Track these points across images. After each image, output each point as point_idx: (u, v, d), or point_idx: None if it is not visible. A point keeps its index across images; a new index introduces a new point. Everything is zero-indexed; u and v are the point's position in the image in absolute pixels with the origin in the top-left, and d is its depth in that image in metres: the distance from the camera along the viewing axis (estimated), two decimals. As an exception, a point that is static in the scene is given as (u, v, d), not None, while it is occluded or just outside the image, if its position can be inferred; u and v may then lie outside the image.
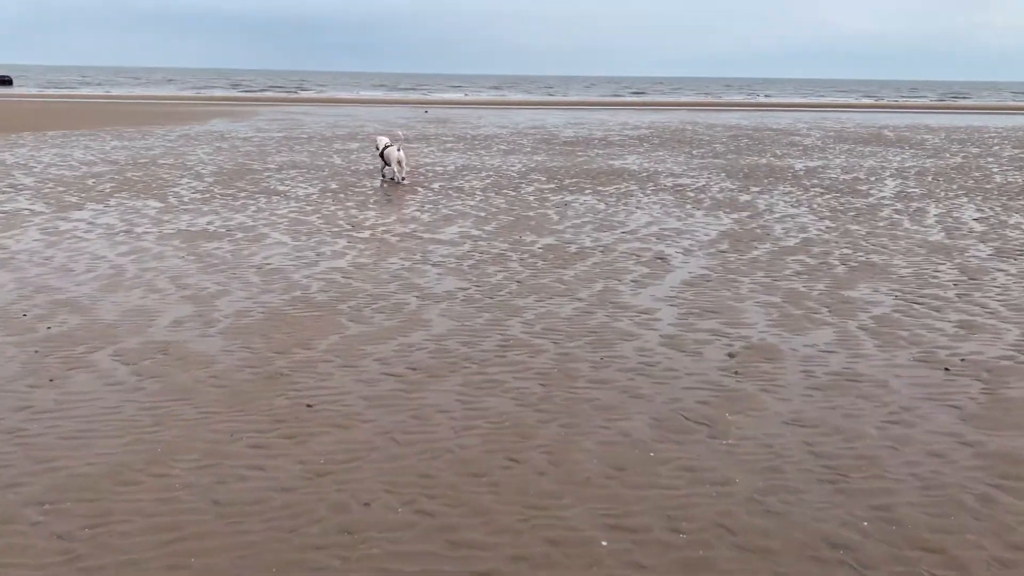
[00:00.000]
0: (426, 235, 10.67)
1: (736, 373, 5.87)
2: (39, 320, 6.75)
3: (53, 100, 49.69)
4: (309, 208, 12.58)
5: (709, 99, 73.62)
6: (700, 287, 8.31)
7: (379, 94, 74.25)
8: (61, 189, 13.96)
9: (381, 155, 16.37)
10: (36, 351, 6.03)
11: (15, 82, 75.45)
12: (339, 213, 12.20)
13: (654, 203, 13.89)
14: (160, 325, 6.69)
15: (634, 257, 9.65)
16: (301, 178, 16.08)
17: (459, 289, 8.00)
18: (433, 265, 9.00)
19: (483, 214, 12.43)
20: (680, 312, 7.39)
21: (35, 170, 16.34)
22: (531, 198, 14.20)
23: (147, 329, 6.59)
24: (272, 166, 17.90)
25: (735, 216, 12.68)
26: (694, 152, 23.26)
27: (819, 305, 7.68)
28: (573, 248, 10.08)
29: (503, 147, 23.86)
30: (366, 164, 18.68)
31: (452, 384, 5.54)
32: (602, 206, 13.50)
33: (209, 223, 11.20)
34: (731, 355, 6.25)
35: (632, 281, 8.50)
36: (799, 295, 8.04)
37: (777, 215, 12.86)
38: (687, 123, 36.97)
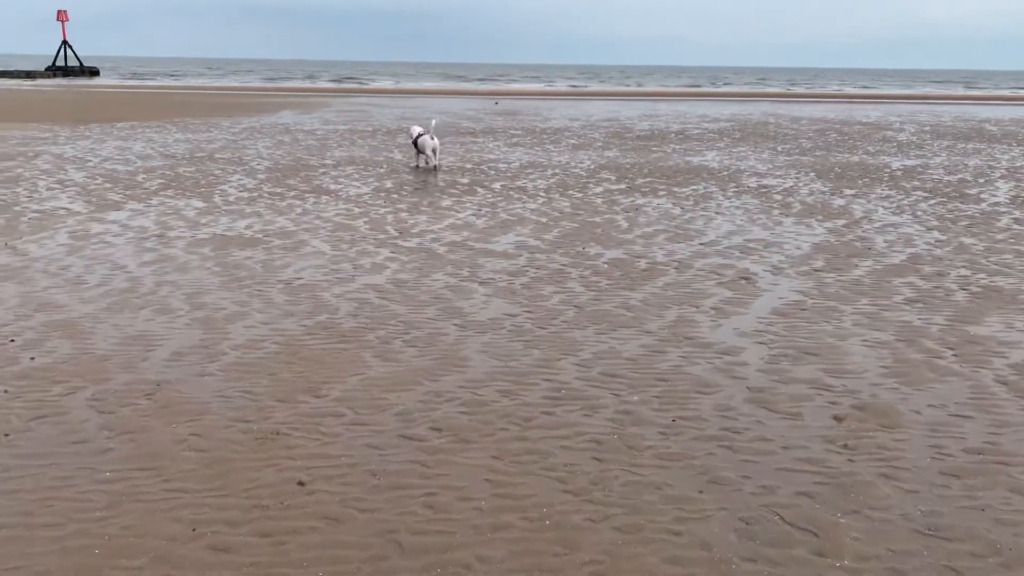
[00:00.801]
0: (478, 245, 9.58)
1: (845, 447, 4.60)
2: (25, 348, 5.90)
3: (133, 91, 50.40)
4: (357, 211, 11.63)
5: (793, 89, 70.69)
6: (793, 317, 7.01)
7: (450, 85, 73.58)
8: (108, 186, 13.36)
9: (415, 143, 16.52)
10: (5, 391, 5.15)
11: (102, 73, 77.37)
12: (388, 217, 11.22)
13: (736, 208, 12.51)
14: (157, 358, 5.76)
15: (714, 276, 8.37)
16: (356, 175, 15.19)
17: (507, 316, 6.88)
18: (481, 283, 7.90)
19: (544, 220, 11.28)
20: (771, 353, 6.11)
21: (89, 164, 15.87)
22: (599, 201, 12.98)
23: (140, 363, 5.66)
24: (329, 162, 17.08)
25: (829, 225, 11.23)
26: (779, 148, 21.61)
27: (941, 346, 6.31)
28: (643, 263, 8.85)
29: (573, 141, 22.63)
30: (423, 160, 17.69)
31: (483, 455, 4.43)
32: (677, 211, 12.19)
33: (248, 227, 10.33)
34: (837, 419, 4.98)
35: (712, 308, 7.24)
36: (915, 331, 6.66)
37: (877, 224, 11.35)
38: (770, 115, 35.02)
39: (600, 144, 22.03)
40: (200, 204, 11.91)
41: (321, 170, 15.81)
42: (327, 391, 5.23)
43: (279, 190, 13.30)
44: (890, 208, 12.63)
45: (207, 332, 6.32)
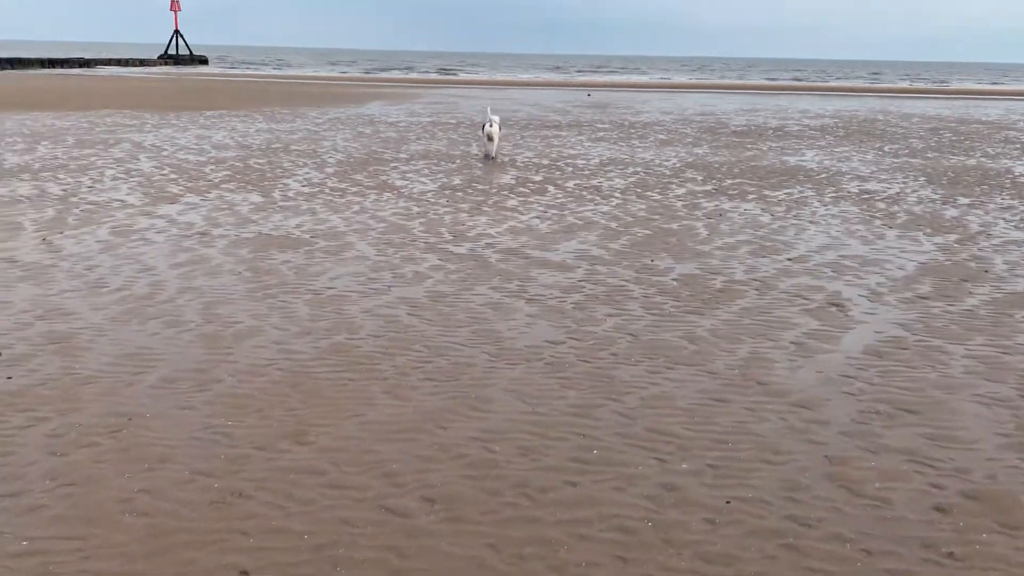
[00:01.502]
0: (535, 253, 8.65)
1: (951, 555, 3.50)
2: (7, 365, 5.32)
3: (233, 80, 51.40)
4: (416, 210, 10.87)
5: (904, 84, 66.77)
6: (890, 359, 5.83)
7: (544, 76, 72.56)
8: (172, 177, 13.02)
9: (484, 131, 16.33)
10: (-41, 419, 4.55)
11: (210, 62, 79.66)
12: (446, 218, 10.41)
13: (833, 216, 11.18)
14: (143, 384, 5.08)
15: (800, 300, 7.21)
16: (427, 171, 14.47)
17: (548, 344, 5.94)
18: (528, 300, 6.97)
19: (614, 225, 10.25)
20: (859, 409, 4.99)
21: (163, 153, 15.67)
22: (679, 204, 11.85)
23: (123, 390, 4.99)
24: (403, 155, 16.43)
25: (939, 240, 9.81)
26: (886, 148, 19.83)
27: (1080, 408, 5.05)
28: (718, 282, 7.75)
29: (661, 136, 21.38)
30: (502, 155, 16.84)
31: (478, 542, 3.53)
32: (766, 218, 10.96)
33: (297, 226, 9.70)
34: (941, 510, 3.86)
35: (793, 343, 6.12)
36: (1045, 386, 5.40)
37: (996, 240, 9.87)
38: (877, 112, 32.72)
39: (690, 140, 20.73)
40: (257, 199, 11.37)
41: (392, 164, 15.16)
42: (315, 437, 4.42)
43: (343, 185, 12.68)
44: (1013, 221, 11.06)
45: (209, 352, 5.62)
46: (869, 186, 13.94)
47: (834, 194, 13.04)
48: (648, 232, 9.90)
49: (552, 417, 4.75)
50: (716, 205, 11.83)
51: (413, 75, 65.50)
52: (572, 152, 17.73)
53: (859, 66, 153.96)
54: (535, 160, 16.21)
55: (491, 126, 15.94)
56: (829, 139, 21.70)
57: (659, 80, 67.69)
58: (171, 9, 71.20)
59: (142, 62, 69.07)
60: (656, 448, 4.41)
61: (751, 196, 12.70)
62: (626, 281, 7.69)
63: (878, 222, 10.89)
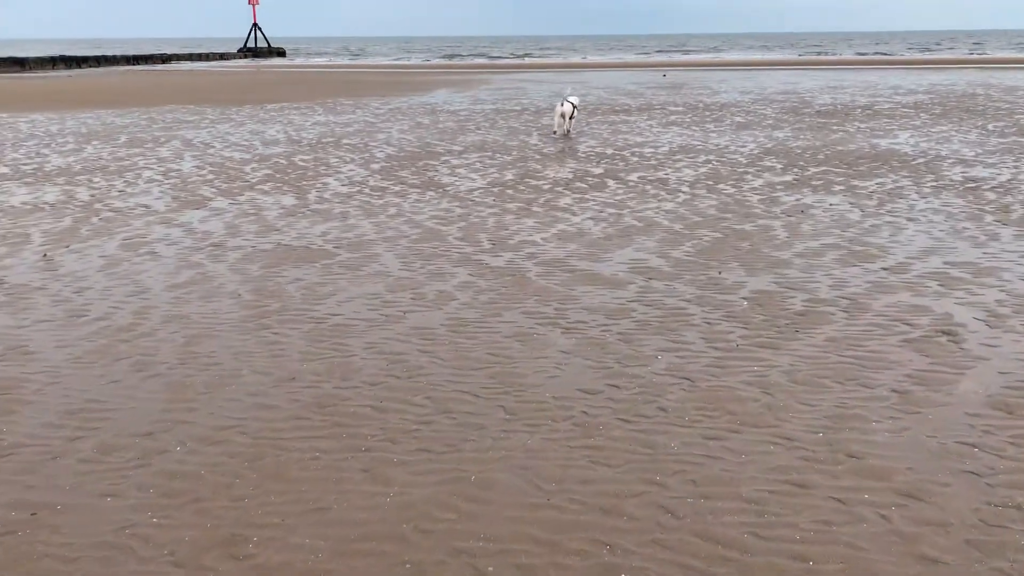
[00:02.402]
0: (582, 265, 7.43)
1: None
2: (-70, 426, 4.44)
3: (306, 71, 51.28)
4: (457, 212, 9.76)
5: (1004, 55, 62.19)
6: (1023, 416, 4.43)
7: (617, 57, 70.45)
8: (210, 178, 12.24)
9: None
10: None
11: (288, 53, 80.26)
12: (489, 221, 9.27)
13: (935, 211, 9.58)
14: (74, 456, 4.12)
15: (900, 327, 5.81)
16: (479, 164, 13.34)
17: (580, 395, 4.75)
18: (564, 330, 5.78)
19: (679, 227, 8.93)
20: (988, 500, 3.65)
21: (210, 151, 14.97)
22: (755, 199, 10.41)
23: (46, 465, 4.03)
24: (457, 147, 15.35)
25: (1070, 241, 8.17)
26: (990, 127, 17.74)
27: None
28: (798, 301, 6.39)
29: (738, 119, 19.72)
30: (562, 144, 15.58)
31: None
32: (855, 215, 9.45)
33: (323, 234, 8.71)
34: None
35: (893, 392, 4.77)
36: None
37: None
38: (978, 85, 30.02)
39: (770, 122, 19.02)
40: (290, 202, 10.45)
41: (444, 157, 14.10)
42: (255, 548, 3.36)
43: (385, 184, 11.67)
44: None
45: (168, 407, 4.63)
46: (975, 172, 12.17)
47: (934, 183, 11.36)
48: (717, 235, 8.55)
49: (571, 514, 3.57)
50: (797, 199, 10.35)
51: (483, 60, 64.41)
52: (639, 139, 16.33)
53: (960, 36, 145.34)
54: (598, 149, 14.90)
55: (562, 105, 16.66)
56: (924, 117, 19.65)
57: (738, 58, 64.91)
58: (250, 3, 71.84)
59: (222, 56, 69.98)
60: (709, 570, 3.19)
61: (837, 187, 11.14)
62: (686, 302, 6.41)
63: (990, 217, 9.25)
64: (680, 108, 22.77)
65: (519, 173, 12.49)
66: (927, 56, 61.45)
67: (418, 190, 11.19)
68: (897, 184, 11.31)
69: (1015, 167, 12.56)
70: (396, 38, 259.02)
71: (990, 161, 13.18)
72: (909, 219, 9.23)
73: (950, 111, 20.97)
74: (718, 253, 7.86)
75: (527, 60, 63.67)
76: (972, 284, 6.80)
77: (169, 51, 72.63)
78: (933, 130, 17.25)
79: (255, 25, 73.80)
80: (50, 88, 33.71)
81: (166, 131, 18.19)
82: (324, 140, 16.50)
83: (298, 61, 67.38)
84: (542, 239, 8.45)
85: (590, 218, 9.43)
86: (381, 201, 10.45)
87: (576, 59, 65.38)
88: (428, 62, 63.79)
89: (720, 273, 7.20)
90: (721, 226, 8.96)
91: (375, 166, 13.24)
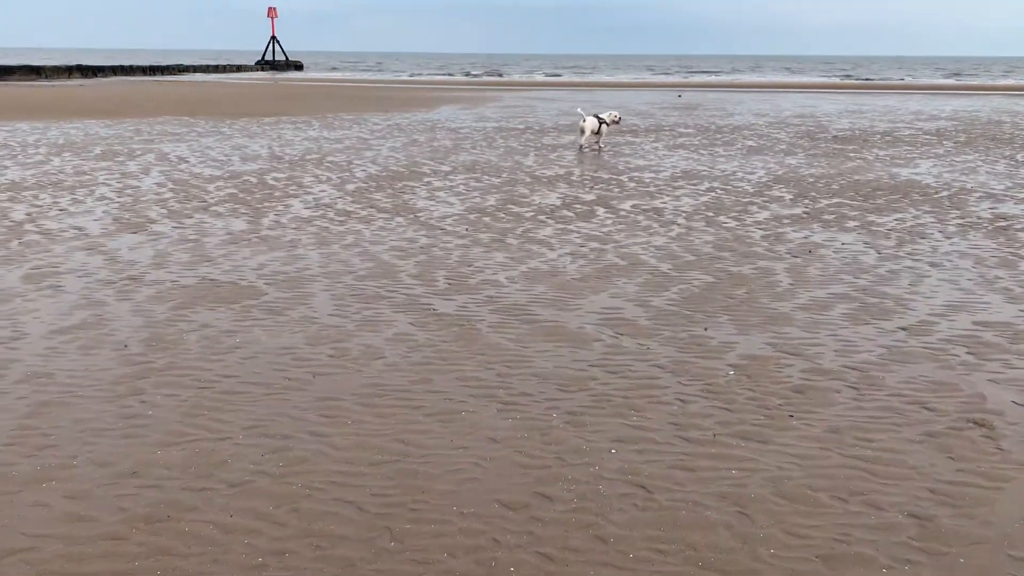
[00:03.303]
0: (546, 314, 6.28)
1: None
2: None
3: (317, 84, 50.58)
4: (422, 243, 8.65)
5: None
6: (1096, 570, 3.21)
7: (634, 77, 69.44)
8: (167, 196, 11.21)
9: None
10: None
11: (305, 67, 79.88)
12: (454, 255, 8.14)
13: (962, 255, 8.37)
14: None
15: (920, 412, 4.62)
16: (463, 187, 12.25)
17: (498, 510, 3.58)
18: (502, 407, 4.62)
19: (667, 267, 7.77)
20: None
21: (181, 167, 13.97)
22: (757, 235, 9.23)
23: None
24: (446, 168, 14.27)
25: (1122, 298, 6.92)
26: (1019, 157, 16.47)
27: None
28: (797, 372, 5.21)
29: (750, 143, 18.54)
30: (558, 167, 14.47)
31: None
32: (870, 257, 8.26)
33: (260, 267, 7.62)
34: None
35: (911, 518, 3.57)
36: None
37: None
38: (1003, 112, 28.69)
39: (784, 147, 17.84)
40: (240, 226, 9.38)
41: (428, 179, 13.02)
42: None
43: (353, 207, 10.59)
44: None
45: (-42, 513, 3.51)
46: (1005, 208, 10.93)
47: (960, 220, 10.14)
48: (709, 279, 7.37)
49: None
50: (805, 237, 9.16)
51: (495, 78, 63.59)
52: (642, 163, 15.19)
53: (994, 63, 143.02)
54: (595, 173, 13.78)
55: (583, 121, 16.80)
56: (948, 145, 18.39)
57: (757, 80, 63.78)
58: (268, 16, 71.50)
59: (239, 68, 69.58)
60: None
61: (852, 223, 9.94)
62: (660, 368, 5.24)
63: (1022, 265, 8.03)
64: (690, 130, 21.62)
65: (503, 198, 11.38)
66: (949, 81, 59.98)
67: (386, 215, 10.09)
68: (918, 221, 10.09)
69: (1049, 204, 11.31)
70: (415, 54, 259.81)
71: (1022, 195, 11.94)
72: (932, 264, 8.02)
73: (975, 139, 19.69)
74: (707, 302, 6.68)
75: (539, 78, 62.76)
76: (1009, 354, 5.59)
77: (187, 63, 72.32)
78: (957, 160, 16.00)
79: (273, 38, 73.41)
80: (54, 97, 33.06)
81: (146, 144, 17.25)
82: (308, 157, 15.48)
83: (314, 75, 66.85)
84: (507, 279, 7.31)
85: (568, 254, 8.28)
86: (341, 228, 9.36)
87: (592, 78, 64.43)
88: (442, 78, 63.02)
89: (706, 330, 6.02)
90: (715, 268, 7.79)
91: (350, 187, 12.17)
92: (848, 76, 70.86)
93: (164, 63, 67.70)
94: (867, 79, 64.47)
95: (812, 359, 5.45)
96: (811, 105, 32.37)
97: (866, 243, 8.89)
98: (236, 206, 10.57)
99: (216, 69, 66.99)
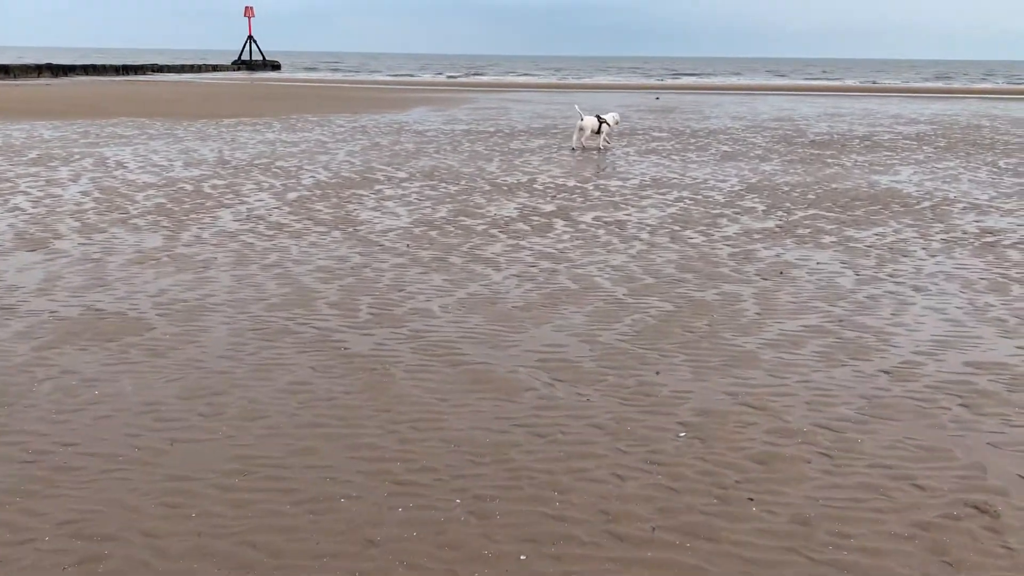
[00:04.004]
0: (476, 353, 5.36)
1: None
2: None
3: (291, 84, 49.40)
4: (354, 262, 7.72)
5: (1005, 85, 60.36)
6: None
7: (613, 79, 68.69)
8: (87, 207, 10.20)
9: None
10: None
11: (283, 67, 78.43)
12: (386, 277, 7.21)
13: (948, 277, 7.52)
14: None
15: (908, 491, 3.74)
16: (415, 197, 11.31)
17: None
18: (395, 487, 3.70)
19: (622, 292, 6.87)
20: None
21: (116, 172, 12.94)
22: (724, 252, 8.36)
23: None
24: (401, 175, 13.32)
25: None
26: (1001, 163, 15.73)
27: None
28: (760, 433, 4.32)
29: (725, 148, 17.71)
30: (521, 173, 13.55)
31: None
32: (848, 279, 7.40)
33: (159, 293, 6.65)
34: None
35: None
36: None
37: None
38: (982, 116, 28.07)
39: (759, 152, 17.02)
40: (154, 243, 8.40)
41: (380, 186, 12.07)
42: None
43: (288, 220, 9.63)
44: None
45: None
46: (991, 222, 10.12)
47: (944, 235, 9.31)
48: (668, 307, 6.48)
49: None
50: (777, 256, 8.29)
51: (478, 79, 62.60)
52: (609, 170, 14.30)
53: (974, 66, 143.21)
54: (558, 181, 12.87)
55: (581, 120, 16.82)
56: (928, 151, 17.64)
57: (735, 82, 63.16)
58: (245, 15, 70.13)
59: (215, 68, 68.11)
60: None
61: (828, 238, 9.09)
62: (597, 429, 4.33)
63: (1017, 289, 7.19)
64: (664, 134, 20.77)
65: (456, 208, 10.45)
66: (928, 84, 59.59)
67: (323, 229, 9.14)
68: (900, 236, 9.26)
69: (1038, 216, 10.52)
70: (400, 55, 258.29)
71: (1007, 207, 11.15)
72: (916, 288, 7.17)
73: (955, 144, 18.96)
74: (663, 337, 5.79)
75: (519, 79, 61.82)
76: (1009, 406, 4.72)
77: (162, 62, 70.78)
78: (938, 166, 15.23)
79: (250, 38, 71.97)
80: (13, 96, 31.78)
81: (90, 147, 16.17)
82: (257, 162, 14.48)
83: (291, 75, 65.55)
84: (441, 307, 6.39)
85: (515, 275, 7.37)
86: (267, 244, 8.39)
87: (571, 79, 63.56)
88: (421, 78, 61.95)
89: (658, 374, 5.13)
90: (676, 293, 6.90)
91: (292, 196, 11.20)
92: (835, 80, 70.42)
93: (140, 63, 66.15)
94: (838, 79, 64.00)
95: (779, 414, 4.56)
96: (789, 108, 31.64)
97: (843, 263, 8.04)
98: (159, 218, 9.58)
99: (192, 69, 65.50)
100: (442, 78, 63.26)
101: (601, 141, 17.09)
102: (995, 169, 14.93)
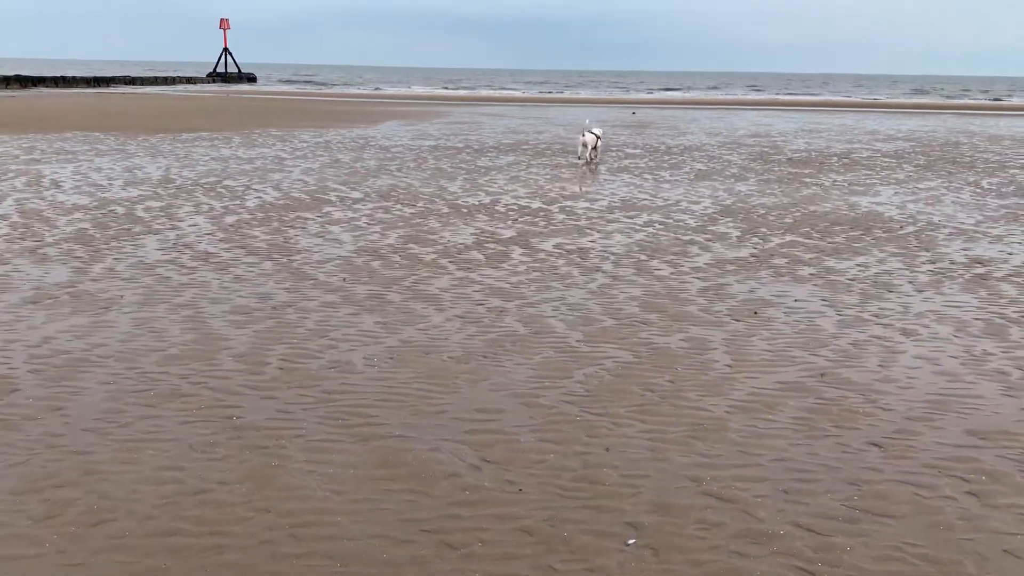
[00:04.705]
0: (388, 426, 4.48)
1: None
2: None
3: (263, 97, 48.41)
4: (278, 301, 6.82)
5: (984, 100, 60.42)
6: None
7: (591, 94, 68.21)
8: (3, 233, 9.23)
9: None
10: None
11: (260, 80, 77.31)
12: (308, 321, 6.32)
13: (939, 316, 6.74)
14: None
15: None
16: (364, 221, 10.44)
17: None
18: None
19: (576, 338, 6.01)
20: None
21: (48, 192, 11.96)
22: (694, 287, 7.53)
23: None
24: (355, 195, 12.43)
25: None
26: (984, 183, 15.08)
27: None
28: (725, 540, 3.47)
29: (699, 166, 16.97)
30: (484, 193, 12.70)
31: None
32: (829, 321, 6.59)
33: (42, 342, 5.73)
34: None
35: None
36: None
37: None
38: (959, 132, 27.59)
39: (735, 171, 16.29)
40: (60, 276, 7.46)
41: (329, 208, 11.18)
42: None
43: (218, 248, 8.72)
44: None
45: None
46: (979, 250, 9.39)
47: (931, 266, 8.55)
48: (627, 357, 5.63)
49: None
50: (751, 291, 7.48)
51: (457, 91, 61.87)
52: (577, 189, 13.49)
53: (944, 80, 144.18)
54: (522, 202, 12.04)
55: (584, 135, 17.03)
56: (908, 169, 16.98)
57: (713, 97, 62.83)
58: (220, 27, 69.03)
59: (189, 80, 66.88)
60: None
61: (807, 270, 8.30)
62: (526, 536, 3.47)
63: (1017, 332, 6.40)
64: (638, 151, 20.02)
65: (407, 234, 9.59)
66: (904, 100, 59.49)
67: (253, 260, 8.23)
68: (884, 267, 8.48)
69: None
70: (383, 68, 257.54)
71: (995, 232, 10.43)
72: (904, 332, 6.37)
73: (935, 162, 18.34)
74: (618, 398, 4.93)
75: (497, 93, 61.11)
76: (1014, 466, 3.90)
77: (135, 74, 69.45)
78: (920, 186, 14.54)
79: (225, 50, 70.79)
80: (-30, 108, 30.58)
81: (29, 163, 15.16)
82: (204, 181, 13.54)
83: (267, 87, 64.45)
84: (365, 359, 5.51)
85: (459, 316, 6.50)
86: (184, 279, 7.47)
87: (549, 93, 62.94)
88: (399, 91, 61.07)
89: (608, 450, 4.26)
90: (637, 339, 6.05)
91: (230, 219, 10.28)
92: (813, 95, 70.30)
93: (114, 74, 64.82)
94: (814, 95, 63.83)
95: (750, 509, 3.71)
96: (766, 124, 31.06)
97: (824, 300, 7.23)
98: (75, 247, 8.64)
99: (166, 81, 64.23)
100: (421, 91, 62.45)
101: (592, 154, 17.16)
102: (978, 190, 14.26)
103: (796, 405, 4.92)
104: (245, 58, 75.44)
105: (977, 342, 6.16)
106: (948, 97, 65.22)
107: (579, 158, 17.25)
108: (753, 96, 63.45)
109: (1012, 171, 16.98)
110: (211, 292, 7.04)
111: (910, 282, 7.91)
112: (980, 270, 8.45)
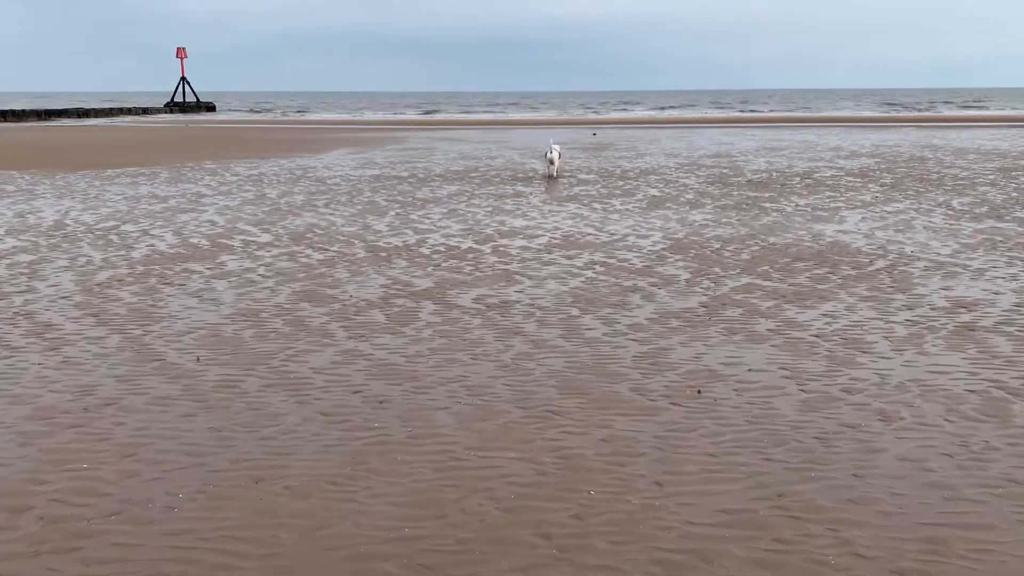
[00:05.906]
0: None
1: None
2: None
3: (215, 126, 46.76)
4: (98, 399, 5.32)
5: (947, 112, 60.21)
6: None
7: (552, 115, 67.28)
8: None
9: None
10: None
11: (219, 108, 75.50)
12: (120, 431, 4.82)
13: (923, 392, 5.38)
14: None
15: None
16: (262, 271, 8.97)
17: None
18: None
19: (469, 445, 4.57)
20: None
21: (-92, 248, 10.34)
22: (630, 354, 6.13)
23: None
24: (264, 239, 10.96)
25: None
26: (954, 203, 13.92)
27: None
28: None
29: (654, 192, 15.68)
30: (413, 231, 11.26)
31: None
32: (791, 401, 5.23)
33: None
34: None
35: None
36: None
37: None
38: (924, 147, 26.66)
39: (691, 196, 15.01)
40: None
41: (224, 258, 9.69)
42: None
43: (61, 320, 7.20)
44: None
45: None
46: (961, 288, 8.10)
47: (908, 312, 7.24)
48: (523, 478, 4.19)
49: None
50: (697, 356, 6.09)
51: (411, 117, 60.57)
52: (518, 223, 12.10)
53: (920, 93, 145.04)
54: (452, 241, 10.64)
55: (551, 153, 18.23)
56: (874, 190, 15.81)
57: (676, 115, 62.11)
58: (177, 56, 67.28)
59: (145, 111, 64.85)
60: None
61: (764, 324, 6.94)
62: None
63: (1020, 409, 5.05)
64: (591, 176, 18.72)
65: (302, 290, 8.12)
66: (867, 113, 59.06)
67: (100, 332, 6.72)
68: (854, 317, 7.14)
69: (1012, 276, 8.53)
70: (335, 93, 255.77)
71: (974, 265, 9.16)
72: (882, 416, 5.00)
73: (902, 180, 17.21)
74: (501, 554, 3.48)
75: (453, 117, 59.87)
76: None
77: (90, 105, 67.38)
78: (888, 209, 13.33)
79: (183, 79, 68.95)
80: None
81: (-88, 210, 13.50)
82: (100, 226, 11.99)
83: (224, 117, 62.72)
84: (167, 497, 4.03)
85: (322, 414, 5.04)
86: (5, 362, 5.93)
87: (511, 115, 61.85)
88: (356, 117, 59.65)
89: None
90: (544, 442, 4.62)
91: (102, 276, 8.76)
92: (774, 111, 69.88)
93: (66, 107, 62.76)
94: (773, 111, 63.32)
95: None
96: (728, 143, 29.98)
97: (784, 369, 5.86)
98: None
99: (121, 112, 62.23)
100: (382, 116, 61.08)
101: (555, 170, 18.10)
102: (950, 211, 13.08)
103: (743, 556, 3.50)
104: (206, 87, 73.91)
105: (974, 429, 4.80)
106: (907, 111, 65.04)
107: (547, 173, 18.31)
108: (715, 114, 62.81)
109: (982, 188, 15.87)
110: (17, 386, 5.52)
111: (886, 337, 6.57)
112: (965, 317, 7.14)
